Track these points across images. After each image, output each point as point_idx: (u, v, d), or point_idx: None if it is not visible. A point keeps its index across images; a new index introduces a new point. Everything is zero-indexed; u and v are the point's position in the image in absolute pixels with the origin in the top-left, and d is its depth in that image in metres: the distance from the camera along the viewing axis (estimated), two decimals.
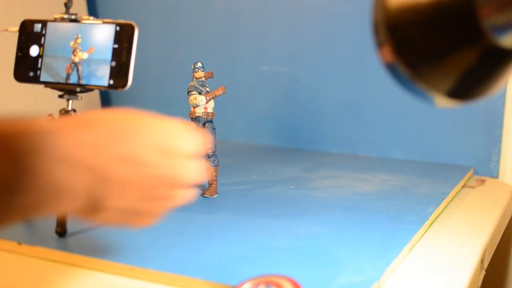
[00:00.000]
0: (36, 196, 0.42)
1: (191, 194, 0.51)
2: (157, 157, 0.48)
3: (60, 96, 0.67)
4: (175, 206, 0.50)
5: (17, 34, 0.68)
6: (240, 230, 0.68)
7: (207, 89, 0.79)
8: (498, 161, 0.98)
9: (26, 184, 0.41)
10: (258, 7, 1.14)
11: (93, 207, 0.46)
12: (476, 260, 0.63)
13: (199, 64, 0.79)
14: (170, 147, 0.49)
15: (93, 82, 0.64)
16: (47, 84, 0.67)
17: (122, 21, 0.64)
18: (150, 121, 0.49)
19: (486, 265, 0.69)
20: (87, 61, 0.65)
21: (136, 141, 0.47)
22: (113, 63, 0.63)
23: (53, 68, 0.66)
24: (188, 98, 0.79)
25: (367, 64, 1.05)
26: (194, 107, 0.79)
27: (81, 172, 0.44)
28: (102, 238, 0.65)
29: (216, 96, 0.79)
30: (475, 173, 0.99)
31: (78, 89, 0.66)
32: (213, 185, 0.80)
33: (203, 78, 0.79)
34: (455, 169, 0.96)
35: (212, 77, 0.80)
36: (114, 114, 0.48)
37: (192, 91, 0.79)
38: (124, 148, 0.46)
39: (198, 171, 0.50)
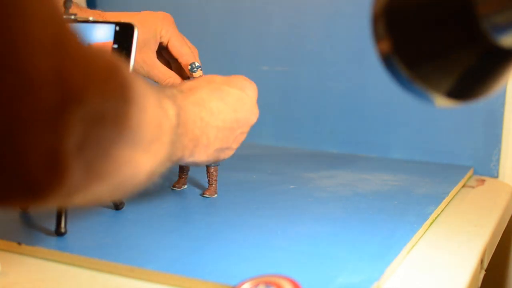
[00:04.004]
0: (180, 144, 0.55)
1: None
2: (237, 105, 0.64)
3: None
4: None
5: None
6: (240, 230, 0.68)
7: None
8: (498, 161, 0.98)
9: (183, 131, 0.55)
10: (258, 7, 1.14)
11: (203, 151, 0.60)
12: (476, 260, 0.63)
13: (197, 64, 0.79)
14: (243, 96, 0.65)
15: None
16: None
17: (122, 21, 0.64)
18: (226, 80, 0.65)
19: (486, 265, 0.69)
20: None
21: (223, 96, 0.63)
22: None
23: None
24: None
25: (367, 64, 1.05)
26: None
27: (197, 124, 0.58)
28: (102, 238, 0.65)
29: None
30: (475, 173, 0.99)
31: None
32: (213, 185, 0.80)
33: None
34: (455, 169, 0.96)
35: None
36: (202, 80, 0.64)
37: None
38: (218, 103, 0.62)
39: (257, 112, 0.68)
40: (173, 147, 0.52)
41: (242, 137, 0.68)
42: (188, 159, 0.59)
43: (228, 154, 0.67)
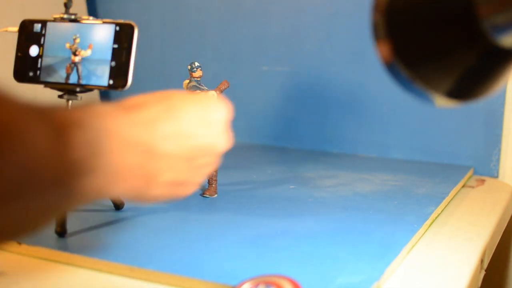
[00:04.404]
0: (100, 179, 0.43)
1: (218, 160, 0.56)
2: (198, 129, 0.52)
3: (60, 96, 0.67)
4: (210, 172, 0.56)
5: (17, 34, 0.68)
6: (240, 230, 0.68)
7: (205, 87, 0.79)
8: (498, 161, 0.98)
9: (95, 166, 0.43)
10: (258, 7, 1.14)
11: (146, 185, 0.48)
12: (476, 260, 0.63)
13: (197, 64, 0.79)
14: (208, 118, 0.53)
15: (93, 82, 0.64)
16: (47, 84, 0.67)
17: (122, 21, 0.64)
18: (188, 97, 0.54)
19: (486, 265, 0.69)
20: (87, 61, 0.65)
21: (180, 117, 0.51)
22: (113, 63, 0.63)
23: (53, 68, 0.66)
24: None
25: (367, 64, 1.05)
26: None
27: (136, 150, 0.46)
28: (102, 238, 0.65)
29: (223, 90, 0.79)
30: (475, 173, 0.99)
31: (78, 89, 0.66)
32: (213, 185, 0.80)
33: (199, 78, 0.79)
34: (455, 169, 0.96)
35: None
36: (155, 95, 0.52)
37: (195, 90, 0.79)
38: (171, 124, 0.50)
39: (230, 138, 0.55)
40: (79, 187, 0.41)
41: (206, 169, 0.54)
42: (125, 196, 0.50)
43: (187, 190, 0.54)
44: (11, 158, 0.35)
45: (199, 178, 0.54)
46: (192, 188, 0.54)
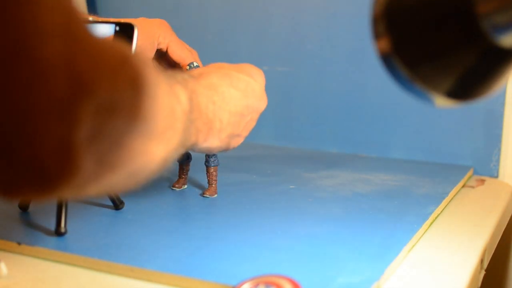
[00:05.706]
0: (199, 124, 0.57)
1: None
2: (249, 92, 0.66)
3: None
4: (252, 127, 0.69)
5: None
6: (240, 230, 0.68)
7: None
8: (498, 161, 0.98)
9: (197, 115, 0.56)
10: (258, 6, 1.14)
11: (215, 136, 0.61)
12: (476, 260, 0.63)
13: (196, 64, 0.79)
14: (252, 83, 0.67)
15: None
16: None
17: (122, 21, 0.64)
18: (234, 67, 0.67)
19: (486, 265, 0.69)
20: None
21: (235, 81, 0.64)
22: None
23: None
24: None
25: (367, 64, 1.05)
26: None
27: (212, 106, 0.60)
28: (102, 238, 0.65)
29: None
30: (475, 173, 0.99)
31: None
32: (213, 185, 0.80)
33: None
34: (455, 169, 0.96)
35: None
36: (210, 66, 0.66)
37: None
38: (229, 87, 0.63)
39: (267, 99, 0.71)
40: (187, 133, 0.53)
41: (251, 124, 0.68)
42: (202, 144, 0.60)
43: (238, 141, 0.67)
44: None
45: (246, 132, 0.68)
46: (241, 140, 0.68)
